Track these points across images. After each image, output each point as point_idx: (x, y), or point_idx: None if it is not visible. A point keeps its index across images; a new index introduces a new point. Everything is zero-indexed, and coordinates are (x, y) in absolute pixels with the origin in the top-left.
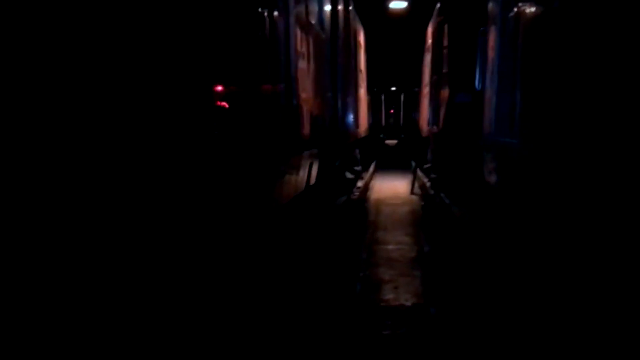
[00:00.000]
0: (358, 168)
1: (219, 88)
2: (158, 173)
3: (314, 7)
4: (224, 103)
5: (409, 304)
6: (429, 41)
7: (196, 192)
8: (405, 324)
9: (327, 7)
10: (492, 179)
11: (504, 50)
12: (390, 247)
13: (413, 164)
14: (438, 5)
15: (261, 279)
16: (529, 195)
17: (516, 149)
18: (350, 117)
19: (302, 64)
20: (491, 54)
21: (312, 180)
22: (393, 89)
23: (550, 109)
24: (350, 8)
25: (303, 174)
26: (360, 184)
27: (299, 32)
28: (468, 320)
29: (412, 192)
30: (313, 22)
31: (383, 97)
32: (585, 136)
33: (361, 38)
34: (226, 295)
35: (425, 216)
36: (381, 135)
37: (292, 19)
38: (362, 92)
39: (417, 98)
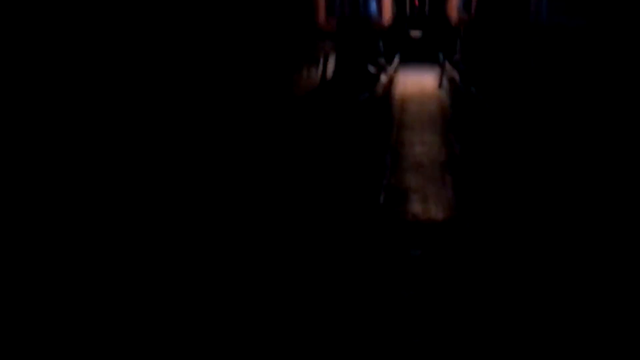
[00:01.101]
0: (381, 60)
1: None
2: None
3: None
4: None
5: (440, 217)
6: None
7: None
8: (437, 243)
9: None
10: (543, 67)
11: None
12: (417, 149)
13: (441, 56)
14: None
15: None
16: (599, 86)
17: (583, 31)
18: (373, 5)
19: None
20: None
21: (329, 75)
22: None
23: None
24: None
25: (317, 66)
26: (383, 78)
27: None
28: (510, 236)
29: (439, 86)
30: None
31: None
32: None
33: None
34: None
35: (455, 113)
36: (405, 26)
37: None
38: None
39: None
